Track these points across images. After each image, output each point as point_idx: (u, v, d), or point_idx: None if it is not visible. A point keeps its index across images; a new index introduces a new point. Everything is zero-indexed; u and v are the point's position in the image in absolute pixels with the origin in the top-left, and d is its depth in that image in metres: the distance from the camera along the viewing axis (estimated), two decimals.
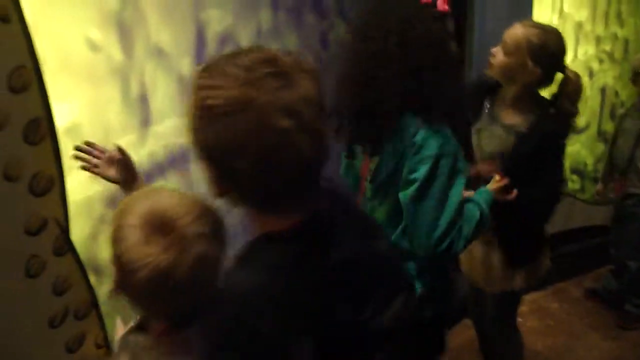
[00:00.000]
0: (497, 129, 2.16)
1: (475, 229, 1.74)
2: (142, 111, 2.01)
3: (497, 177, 1.98)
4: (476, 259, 2.30)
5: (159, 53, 2.02)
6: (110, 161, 1.66)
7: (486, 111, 2.22)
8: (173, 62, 2.06)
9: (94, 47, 1.82)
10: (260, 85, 0.93)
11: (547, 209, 2.17)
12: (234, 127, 0.92)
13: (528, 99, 2.13)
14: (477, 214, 1.77)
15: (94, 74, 1.85)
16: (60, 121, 1.71)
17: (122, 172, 1.65)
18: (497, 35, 2.17)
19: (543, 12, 3.12)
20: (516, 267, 2.24)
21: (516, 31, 2.07)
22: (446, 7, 1.71)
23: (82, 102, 1.82)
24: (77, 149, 1.68)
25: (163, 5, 2.00)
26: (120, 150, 1.66)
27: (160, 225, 1.08)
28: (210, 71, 0.98)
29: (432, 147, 1.62)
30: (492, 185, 1.95)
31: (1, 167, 1.58)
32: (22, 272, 1.68)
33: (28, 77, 1.59)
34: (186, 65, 2.08)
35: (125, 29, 1.90)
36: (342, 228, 1.12)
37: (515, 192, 1.98)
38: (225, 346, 1.01)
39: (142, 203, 1.13)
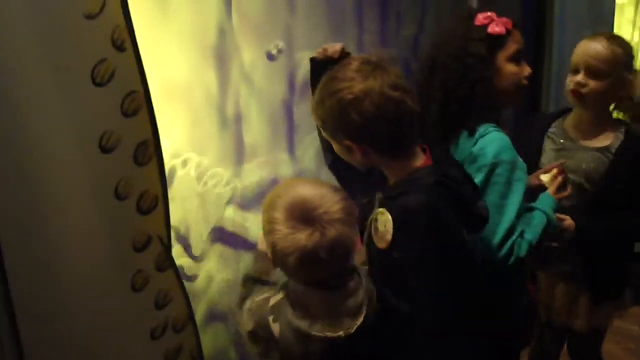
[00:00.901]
0: (581, 154, 2.08)
1: (541, 235, 1.74)
2: (236, 138, 2.12)
3: (554, 172, 1.95)
4: (559, 294, 2.20)
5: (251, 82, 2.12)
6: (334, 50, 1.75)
7: (557, 140, 2.15)
8: (266, 88, 2.15)
9: (193, 76, 1.93)
10: (372, 77, 1.41)
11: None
12: (368, 107, 1.39)
13: (607, 118, 2.09)
14: (543, 218, 1.77)
15: (192, 102, 1.97)
16: (164, 144, 1.82)
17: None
18: None
19: (624, 28, 3.08)
20: (604, 302, 2.13)
21: (597, 50, 1.98)
22: (498, 30, 1.76)
23: (181, 127, 1.93)
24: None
25: (255, 34, 2.10)
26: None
27: (302, 216, 1.37)
28: (335, 79, 1.45)
29: (488, 156, 1.68)
30: (551, 188, 1.92)
31: (113, 186, 1.69)
32: (128, 286, 1.78)
33: (139, 102, 1.69)
34: (280, 94, 2.18)
35: (222, 60, 2.01)
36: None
37: (569, 189, 1.95)
38: (432, 253, 1.40)
39: (285, 197, 1.41)
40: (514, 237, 1.68)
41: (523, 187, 1.71)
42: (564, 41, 2.74)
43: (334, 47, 1.70)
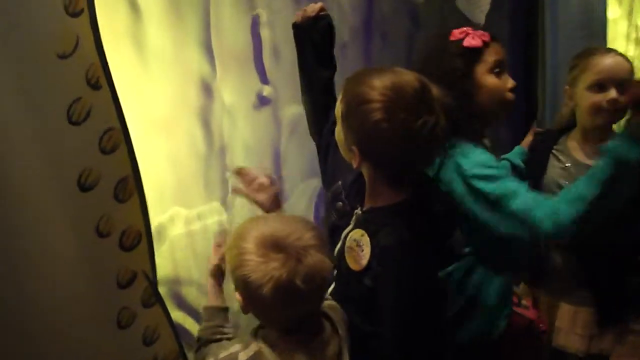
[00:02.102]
0: None
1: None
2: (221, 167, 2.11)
3: None
4: (563, 315, 2.09)
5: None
6: (261, 187, 1.75)
7: (562, 159, 2.07)
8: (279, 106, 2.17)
9: (175, 105, 1.92)
10: (404, 111, 1.36)
11: None
12: (395, 140, 1.36)
13: (610, 132, 1.99)
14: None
15: (173, 131, 1.96)
16: (144, 178, 1.80)
17: (270, 199, 1.75)
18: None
19: (618, 41, 3.05)
20: (612, 325, 2.01)
21: (624, 65, 1.94)
22: (474, 42, 1.74)
23: (163, 159, 1.93)
24: (234, 171, 1.81)
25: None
26: (271, 179, 1.77)
27: (274, 244, 1.28)
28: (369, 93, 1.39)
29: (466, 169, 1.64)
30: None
31: (94, 224, 1.68)
32: (114, 323, 1.76)
33: (117, 139, 1.69)
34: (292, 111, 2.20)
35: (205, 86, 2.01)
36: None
37: None
38: (408, 291, 1.37)
39: (254, 229, 1.32)
40: (538, 212, 1.54)
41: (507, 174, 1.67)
42: (556, 53, 2.71)
43: (313, 7, 1.71)
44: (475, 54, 1.75)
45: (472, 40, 1.74)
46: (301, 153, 2.01)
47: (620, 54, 1.98)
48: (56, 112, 1.58)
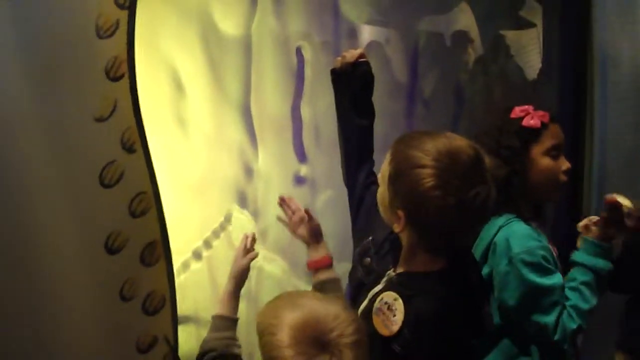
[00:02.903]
0: None
1: (591, 291, 1.74)
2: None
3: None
4: None
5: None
6: (300, 221, 1.80)
7: None
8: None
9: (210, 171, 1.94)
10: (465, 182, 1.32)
11: None
12: (450, 211, 1.31)
13: None
14: (584, 276, 1.74)
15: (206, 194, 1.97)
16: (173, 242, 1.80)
17: (309, 234, 1.79)
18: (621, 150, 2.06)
19: None
20: None
21: None
22: (532, 123, 1.77)
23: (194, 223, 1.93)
24: (279, 200, 1.87)
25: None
26: (309, 214, 1.79)
27: (315, 340, 1.12)
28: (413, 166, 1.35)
29: (510, 248, 1.72)
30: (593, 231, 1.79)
31: (118, 287, 1.67)
32: None
33: (148, 202, 1.70)
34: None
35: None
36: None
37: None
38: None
39: (292, 315, 1.16)
40: (552, 316, 1.69)
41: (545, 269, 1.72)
42: (606, 131, 2.63)
43: (352, 53, 1.69)
44: (533, 134, 1.79)
45: (531, 120, 1.78)
46: (333, 234, 1.98)
47: None
48: (89, 174, 1.60)
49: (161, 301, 1.76)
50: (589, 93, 2.71)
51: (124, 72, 1.61)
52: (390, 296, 1.40)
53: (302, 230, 1.80)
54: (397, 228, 1.40)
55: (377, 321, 1.40)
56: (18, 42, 1.48)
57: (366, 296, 1.48)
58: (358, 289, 1.56)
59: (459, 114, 2.76)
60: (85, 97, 1.57)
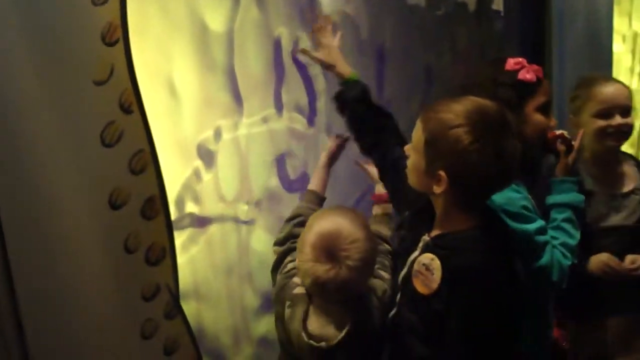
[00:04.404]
0: (619, 202, 2.16)
1: (574, 227, 1.83)
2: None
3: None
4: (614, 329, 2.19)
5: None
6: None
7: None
8: None
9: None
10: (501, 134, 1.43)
11: None
12: (484, 148, 1.41)
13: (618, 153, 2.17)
14: (564, 214, 1.83)
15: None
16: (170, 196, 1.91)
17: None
18: None
19: (622, 75, 3.14)
20: None
21: (625, 92, 2.09)
22: (529, 77, 1.76)
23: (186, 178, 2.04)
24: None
25: None
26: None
27: (327, 250, 1.53)
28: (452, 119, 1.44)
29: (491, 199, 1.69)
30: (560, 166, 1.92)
31: (122, 240, 1.78)
32: (138, 334, 1.85)
33: (146, 160, 1.79)
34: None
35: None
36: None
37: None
38: (478, 316, 1.42)
39: (321, 224, 1.58)
40: (546, 257, 1.74)
41: (526, 217, 1.76)
42: (564, 81, 2.80)
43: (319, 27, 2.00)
44: (529, 88, 1.78)
45: (527, 74, 1.77)
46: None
47: (619, 82, 2.12)
48: (91, 135, 1.68)
49: (162, 252, 1.87)
50: (547, 47, 2.86)
51: (118, 36, 1.68)
52: (427, 257, 1.48)
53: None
54: (437, 190, 1.46)
55: (417, 282, 1.48)
56: (19, 14, 1.53)
57: (404, 263, 1.56)
58: (395, 258, 1.67)
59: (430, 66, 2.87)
60: (84, 62, 1.64)
